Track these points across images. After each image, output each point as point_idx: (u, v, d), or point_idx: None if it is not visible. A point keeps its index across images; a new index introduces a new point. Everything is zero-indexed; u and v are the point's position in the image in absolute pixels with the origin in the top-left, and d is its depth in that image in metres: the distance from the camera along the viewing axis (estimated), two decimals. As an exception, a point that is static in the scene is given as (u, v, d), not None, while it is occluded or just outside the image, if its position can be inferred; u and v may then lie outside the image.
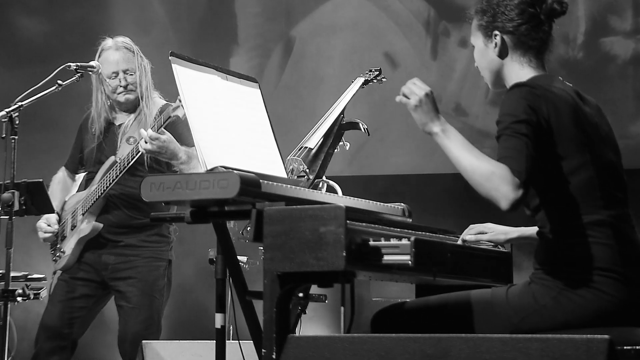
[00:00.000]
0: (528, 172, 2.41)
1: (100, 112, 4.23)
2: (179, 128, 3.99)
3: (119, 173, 4.03)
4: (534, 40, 2.67)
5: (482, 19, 2.71)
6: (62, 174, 4.40)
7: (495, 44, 2.68)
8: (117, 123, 4.25)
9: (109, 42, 4.23)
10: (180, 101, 3.76)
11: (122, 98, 4.19)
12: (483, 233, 2.94)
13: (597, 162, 2.56)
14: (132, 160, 4.00)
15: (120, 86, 4.17)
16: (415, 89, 2.59)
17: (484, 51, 2.71)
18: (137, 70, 4.18)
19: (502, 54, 2.69)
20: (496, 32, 2.68)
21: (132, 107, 4.22)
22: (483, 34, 2.71)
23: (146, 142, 3.83)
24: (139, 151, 3.93)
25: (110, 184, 4.07)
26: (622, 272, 2.52)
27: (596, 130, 2.60)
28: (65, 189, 4.35)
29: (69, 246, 4.18)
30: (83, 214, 4.16)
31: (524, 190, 2.40)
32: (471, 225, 2.82)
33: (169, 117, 3.86)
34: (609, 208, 2.55)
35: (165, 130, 3.89)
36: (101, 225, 4.14)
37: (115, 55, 4.18)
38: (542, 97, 2.52)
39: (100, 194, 4.10)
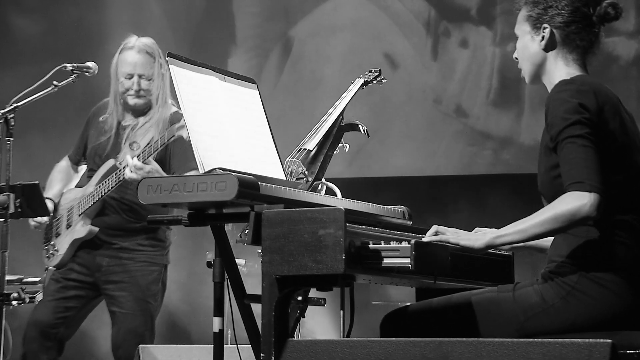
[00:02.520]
0: (590, 175, 2.42)
1: (116, 109, 4.20)
2: (180, 148, 3.97)
3: (117, 182, 4.01)
4: (583, 40, 2.66)
5: (532, 10, 2.68)
6: (65, 163, 4.38)
7: (543, 37, 2.66)
8: (124, 124, 4.22)
9: (132, 41, 4.17)
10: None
11: (131, 101, 4.16)
12: None
13: (633, 167, 2.57)
14: (114, 185, 3.99)
15: (132, 89, 4.14)
16: (438, 237, 2.59)
17: (529, 43, 2.69)
18: (154, 77, 4.13)
19: (548, 48, 2.66)
20: (546, 25, 2.65)
21: (141, 111, 4.19)
22: (531, 26, 2.68)
23: (131, 171, 3.83)
24: (123, 178, 3.93)
25: (108, 191, 4.05)
26: (636, 273, 2.52)
27: (633, 137, 2.62)
28: (67, 179, 4.33)
29: (62, 245, 4.16)
30: (79, 215, 4.14)
31: (596, 191, 2.41)
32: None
33: (173, 136, 3.83)
34: (636, 212, 2.56)
35: (151, 160, 3.89)
36: (97, 229, 4.12)
37: (134, 57, 4.13)
38: (592, 93, 2.52)
39: (97, 199, 4.08)
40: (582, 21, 2.65)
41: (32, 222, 4.19)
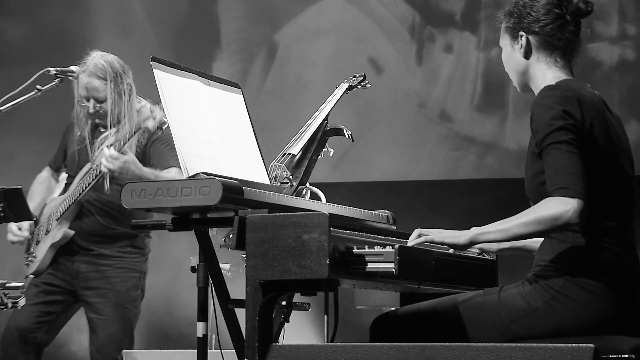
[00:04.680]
0: (575, 181, 2.44)
1: (83, 127, 4.18)
2: (159, 148, 3.97)
3: (91, 181, 4.00)
4: (560, 40, 2.68)
5: (509, 21, 2.73)
6: (46, 173, 4.35)
7: (521, 45, 2.70)
8: (100, 129, 4.20)
9: (87, 62, 4.11)
10: (152, 112, 3.74)
11: (90, 122, 4.14)
12: None
13: (619, 172, 2.59)
14: (92, 181, 3.97)
15: (89, 112, 4.11)
16: (422, 238, 2.61)
17: (510, 53, 2.74)
18: (108, 97, 4.07)
19: (527, 54, 2.70)
20: (522, 32, 2.69)
21: (106, 124, 4.17)
22: (510, 36, 2.73)
23: (107, 161, 3.81)
24: (99, 173, 3.91)
25: (83, 191, 4.03)
26: (621, 279, 2.54)
27: (619, 141, 2.63)
28: (48, 189, 4.30)
29: (40, 251, 4.14)
30: (57, 220, 4.12)
31: (580, 197, 2.42)
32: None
33: (139, 127, 3.81)
34: (621, 218, 2.58)
35: (128, 150, 3.86)
36: (72, 232, 4.09)
37: (85, 81, 4.08)
38: (576, 100, 2.54)
39: (73, 200, 4.07)
40: (556, 21, 2.68)
41: (12, 237, 4.16)
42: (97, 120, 4.13)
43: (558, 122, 2.49)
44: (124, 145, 3.86)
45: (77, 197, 4.05)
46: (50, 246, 4.11)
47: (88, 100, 4.10)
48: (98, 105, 4.09)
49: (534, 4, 2.68)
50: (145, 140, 4.06)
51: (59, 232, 4.10)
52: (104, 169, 3.87)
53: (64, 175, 4.30)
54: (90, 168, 4.06)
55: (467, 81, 6.29)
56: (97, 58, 4.12)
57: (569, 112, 2.51)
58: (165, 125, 3.76)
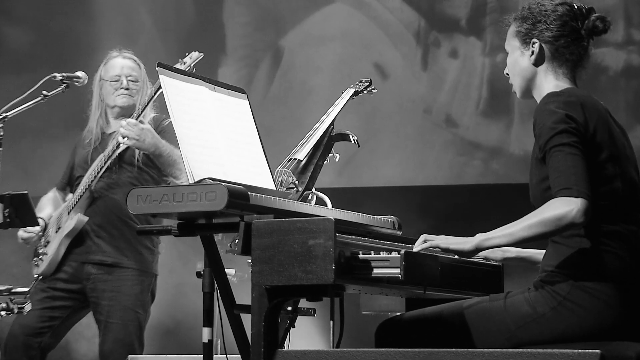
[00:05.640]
0: (578, 181, 2.44)
1: (98, 120, 4.22)
2: (167, 135, 4.00)
3: (103, 165, 4.02)
4: (572, 54, 2.69)
5: (521, 26, 2.71)
6: (52, 194, 4.36)
7: (532, 52, 2.69)
8: (108, 132, 4.23)
9: (116, 52, 4.29)
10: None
11: (120, 101, 4.19)
12: None
13: (624, 177, 2.59)
14: (112, 153, 4.00)
15: (122, 88, 4.18)
16: (427, 243, 2.61)
17: (519, 58, 2.72)
18: (140, 79, 4.21)
19: (538, 62, 2.69)
20: (535, 39, 2.68)
21: (127, 114, 4.20)
22: (520, 41, 2.71)
23: (125, 129, 3.85)
24: (115, 148, 3.95)
25: (95, 177, 4.04)
26: (627, 284, 2.54)
27: (623, 148, 2.64)
28: (56, 205, 4.30)
29: (52, 248, 4.13)
30: (69, 213, 4.12)
31: (583, 197, 2.42)
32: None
33: (159, 87, 3.86)
34: (627, 223, 2.58)
35: (144, 121, 3.91)
36: (87, 218, 4.08)
37: (121, 62, 4.24)
38: (579, 105, 2.55)
39: (85, 187, 4.07)
40: (571, 35, 2.68)
41: (23, 233, 4.16)
42: (124, 100, 4.16)
43: (560, 125, 2.50)
44: (143, 110, 3.91)
45: (89, 184, 4.06)
46: (64, 237, 4.09)
47: (119, 78, 4.18)
48: (131, 83, 4.16)
49: (550, 13, 2.67)
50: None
51: (71, 220, 4.09)
52: (121, 140, 3.90)
53: (70, 196, 4.30)
54: (103, 158, 4.08)
55: (473, 86, 6.29)
56: (126, 51, 4.27)
57: (571, 117, 2.51)
58: None
